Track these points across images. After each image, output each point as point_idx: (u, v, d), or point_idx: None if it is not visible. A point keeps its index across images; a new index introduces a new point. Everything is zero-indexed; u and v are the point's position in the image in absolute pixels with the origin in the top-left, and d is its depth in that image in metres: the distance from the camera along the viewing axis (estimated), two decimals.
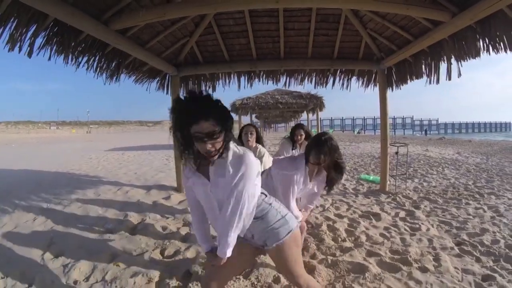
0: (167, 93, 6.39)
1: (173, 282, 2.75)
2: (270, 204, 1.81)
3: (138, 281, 2.78)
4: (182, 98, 1.60)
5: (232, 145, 1.67)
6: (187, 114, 1.53)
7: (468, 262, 3.13)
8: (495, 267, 3.01)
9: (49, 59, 3.68)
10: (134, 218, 4.54)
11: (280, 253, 1.78)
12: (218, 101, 1.61)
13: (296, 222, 1.86)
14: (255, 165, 1.65)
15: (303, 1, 3.44)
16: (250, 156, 1.65)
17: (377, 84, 6.28)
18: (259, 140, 3.77)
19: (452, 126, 72.00)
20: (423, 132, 52.71)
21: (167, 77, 6.36)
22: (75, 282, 2.85)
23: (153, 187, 6.49)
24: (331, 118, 69.90)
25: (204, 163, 1.68)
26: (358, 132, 51.63)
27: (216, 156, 1.61)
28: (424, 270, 2.96)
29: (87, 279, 2.90)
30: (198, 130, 1.51)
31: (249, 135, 3.59)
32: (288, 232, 1.76)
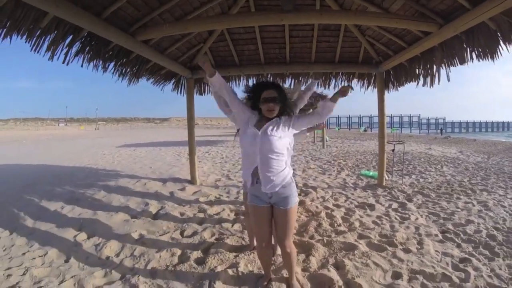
0: (182, 94, 6.93)
1: (194, 255, 3.27)
2: (293, 179, 2.48)
3: (163, 255, 3.31)
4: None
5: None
6: (264, 84, 2.53)
7: (449, 247, 3.54)
8: (473, 252, 3.39)
9: (82, 65, 4.20)
10: (154, 206, 5.06)
11: (288, 214, 2.39)
12: (283, 89, 2.53)
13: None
14: None
15: (307, 19, 3.90)
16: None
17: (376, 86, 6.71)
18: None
19: (459, 125, 71.46)
20: (439, 131, 51.26)
21: (182, 79, 6.89)
22: (107, 257, 3.36)
23: (169, 180, 7.01)
24: (338, 116, 69.94)
25: (261, 123, 2.42)
26: (365, 130, 51.53)
27: (274, 116, 2.42)
28: (407, 251, 3.41)
29: (117, 255, 3.41)
30: (267, 94, 2.39)
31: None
32: (296, 202, 2.45)
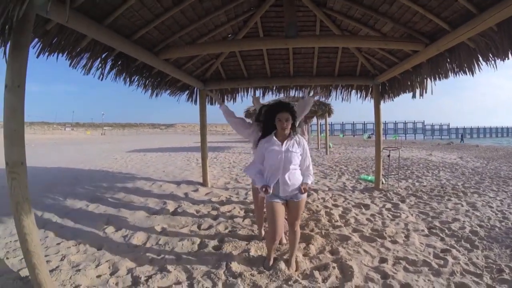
0: (195, 103, 7.54)
1: (211, 243, 3.85)
2: None
3: (185, 243, 3.88)
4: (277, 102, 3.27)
5: (296, 134, 3.19)
6: (279, 106, 3.09)
7: (433, 240, 4.01)
8: (455, 244, 3.85)
9: (110, 79, 4.81)
10: (171, 205, 5.63)
11: (299, 204, 3.11)
12: (294, 108, 3.15)
13: None
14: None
15: (307, 43, 4.51)
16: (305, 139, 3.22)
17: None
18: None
19: (463, 131, 71.12)
20: (460, 137, 49.08)
21: (195, 91, 7.52)
22: (136, 246, 3.88)
23: (182, 182, 7.60)
24: (342, 122, 69.85)
25: (279, 138, 3.07)
26: (369, 137, 51.30)
27: (287, 133, 3.05)
28: (394, 242, 3.93)
29: (144, 244, 3.95)
30: (281, 115, 3.00)
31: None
32: (305, 195, 3.15)
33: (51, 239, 4.01)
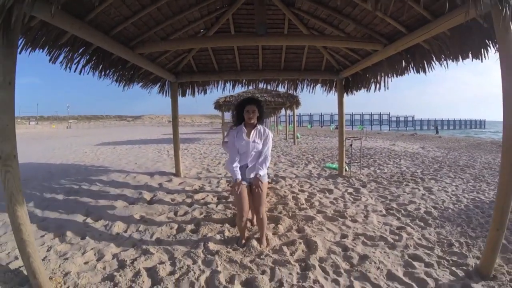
0: (167, 95, 7.72)
1: (188, 228, 4.16)
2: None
3: (164, 229, 4.15)
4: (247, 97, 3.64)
5: (262, 125, 3.58)
6: (247, 100, 3.50)
7: (389, 219, 4.50)
8: (409, 223, 4.33)
9: (88, 73, 4.95)
10: (147, 194, 5.85)
11: (262, 186, 3.37)
12: (262, 103, 3.57)
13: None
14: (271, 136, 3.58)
15: (276, 42, 4.85)
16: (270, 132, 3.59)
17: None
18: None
19: (428, 123, 73.95)
20: (434, 129, 49.49)
21: (167, 83, 7.69)
22: (117, 234, 4.08)
23: (155, 173, 7.80)
24: (310, 114, 71.26)
25: (248, 129, 3.46)
26: (336, 128, 52.53)
27: (253, 122, 3.44)
28: (354, 221, 4.41)
29: (125, 231, 4.16)
30: (248, 107, 3.41)
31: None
32: (267, 180, 3.61)
33: (35, 232, 4.04)
